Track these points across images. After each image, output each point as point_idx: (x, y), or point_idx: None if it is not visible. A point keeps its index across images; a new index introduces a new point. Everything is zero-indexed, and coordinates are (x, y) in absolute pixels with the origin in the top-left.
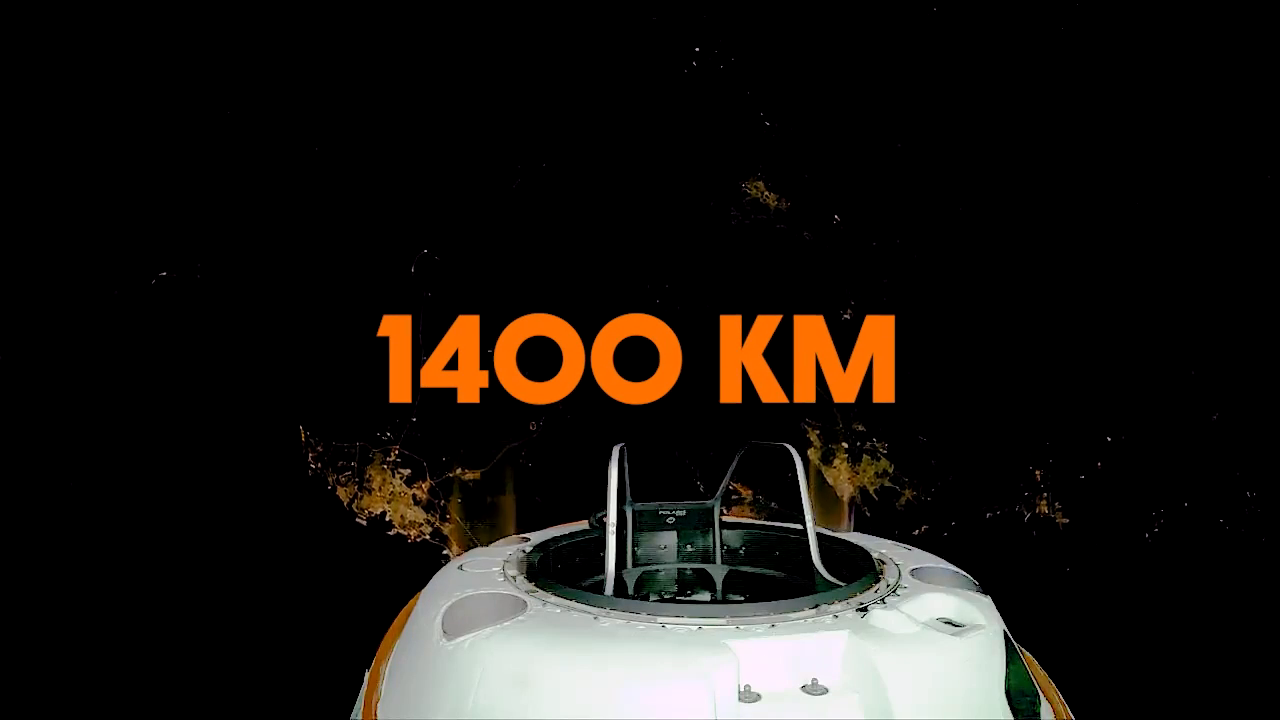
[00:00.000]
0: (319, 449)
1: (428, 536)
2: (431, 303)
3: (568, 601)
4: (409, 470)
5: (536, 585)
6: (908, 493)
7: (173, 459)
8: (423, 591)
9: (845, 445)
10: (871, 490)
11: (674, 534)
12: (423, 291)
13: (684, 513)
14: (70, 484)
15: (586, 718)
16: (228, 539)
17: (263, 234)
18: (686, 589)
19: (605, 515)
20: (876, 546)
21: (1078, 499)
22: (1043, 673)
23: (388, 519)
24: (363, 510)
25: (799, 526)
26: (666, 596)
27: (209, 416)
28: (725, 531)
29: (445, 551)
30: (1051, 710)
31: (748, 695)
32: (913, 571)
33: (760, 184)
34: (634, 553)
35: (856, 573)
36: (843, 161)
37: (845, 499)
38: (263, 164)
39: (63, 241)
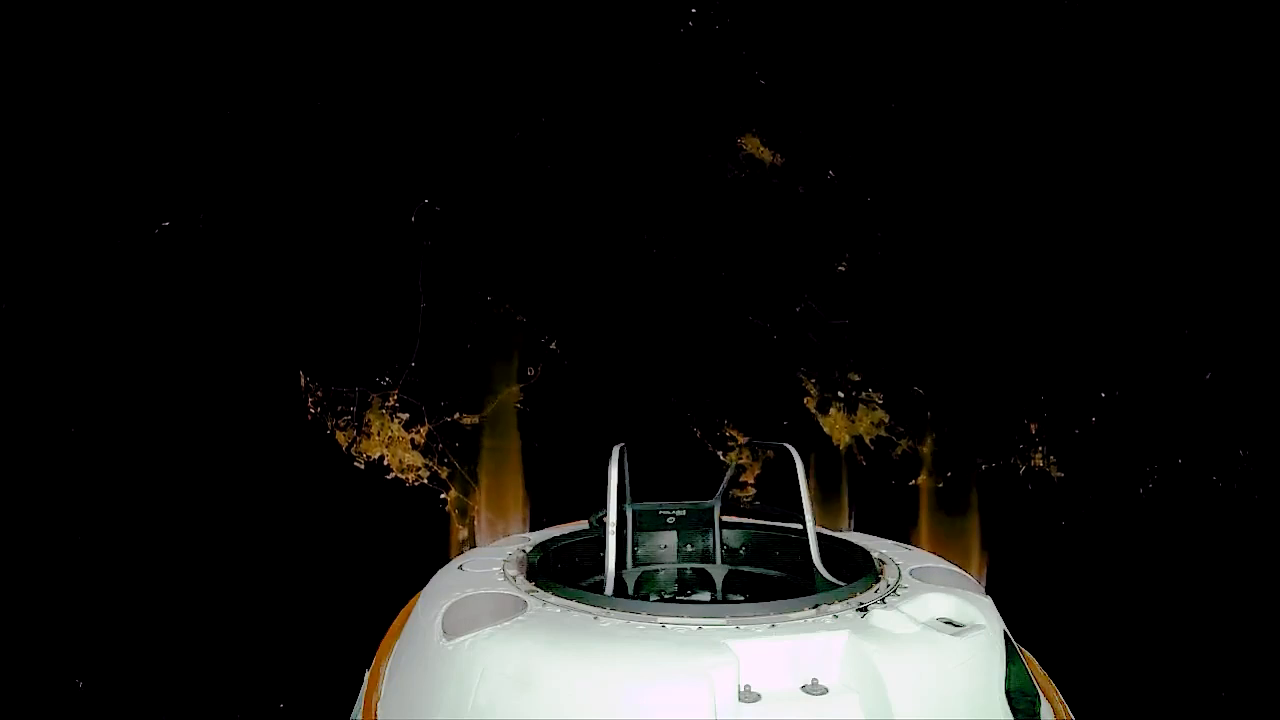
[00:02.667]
0: (318, 394)
1: (425, 480)
2: (431, 253)
3: (568, 601)
4: (407, 415)
5: (536, 585)
6: (903, 443)
7: (174, 412)
8: (423, 591)
9: (841, 395)
10: (867, 439)
11: (674, 534)
12: (423, 240)
13: (684, 513)
14: (72, 430)
15: (586, 718)
16: (229, 505)
17: (265, 185)
18: (686, 589)
19: (605, 515)
20: (876, 546)
21: (1072, 453)
22: (1043, 673)
23: (386, 463)
24: (361, 455)
25: (799, 526)
26: (666, 596)
27: (210, 367)
28: (725, 531)
29: (442, 495)
30: (1051, 710)
31: (748, 695)
32: (912, 571)
33: (756, 140)
34: (634, 553)
35: (856, 573)
36: (837, 120)
37: (842, 448)
38: (265, 115)
39: (67, 195)
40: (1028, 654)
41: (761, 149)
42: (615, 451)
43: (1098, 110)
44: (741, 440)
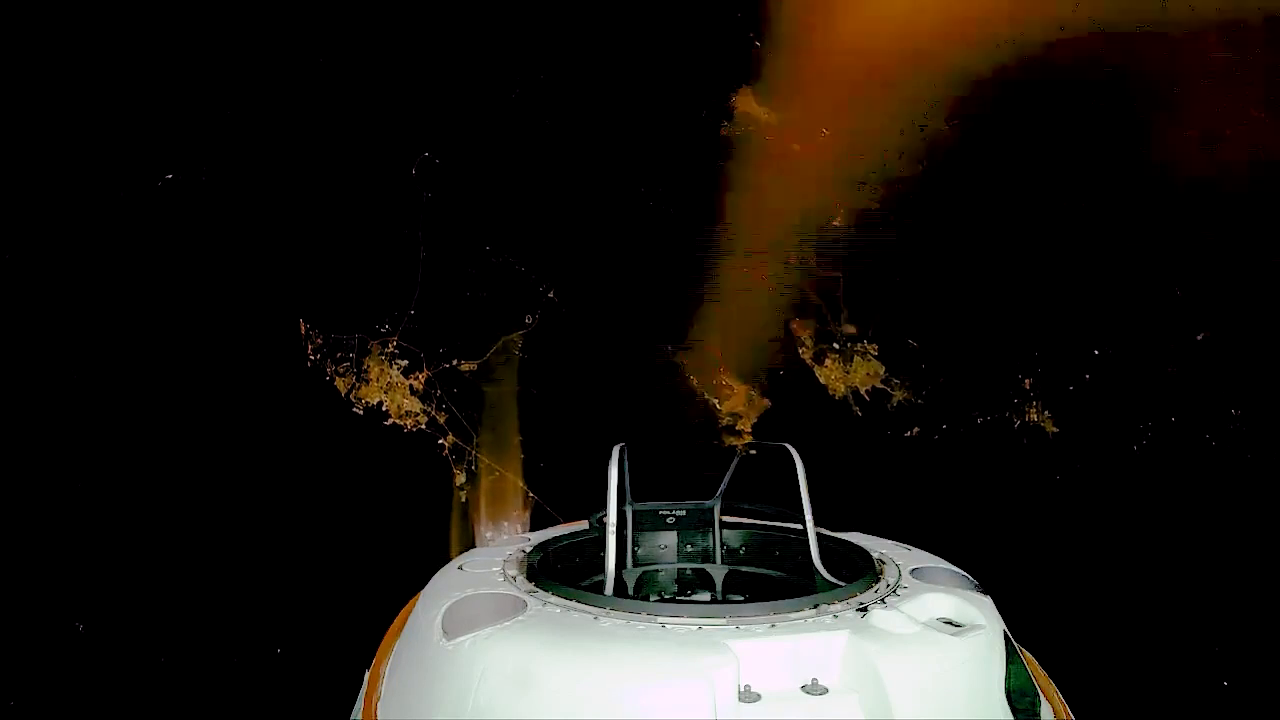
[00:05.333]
0: (318, 341)
1: (424, 426)
2: (431, 204)
3: (568, 601)
4: (406, 362)
5: (536, 585)
6: (898, 394)
7: (175, 361)
8: (423, 591)
9: (836, 346)
10: (863, 390)
11: (674, 534)
12: (423, 193)
13: (684, 513)
14: (74, 378)
15: (586, 718)
16: (226, 471)
17: (268, 138)
18: (686, 589)
19: (605, 515)
20: (876, 546)
21: (1066, 409)
22: (1043, 673)
23: (384, 409)
24: (360, 401)
25: (799, 526)
26: (666, 596)
27: (213, 317)
28: (725, 531)
29: (440, 440)
30: (1051, 710)
31: (748, 695)
32: (912, 571)
33: (750, 98)
34: (634, 553)
35: (856, 573)
36: (830, 80)
37: (838, 398)
38: (268, 68)
39: (76, 149)
40: (1028, 654)
41: (756, 106)
42: (615, 451)
43: (1094, 71)
44: (738, 388)
